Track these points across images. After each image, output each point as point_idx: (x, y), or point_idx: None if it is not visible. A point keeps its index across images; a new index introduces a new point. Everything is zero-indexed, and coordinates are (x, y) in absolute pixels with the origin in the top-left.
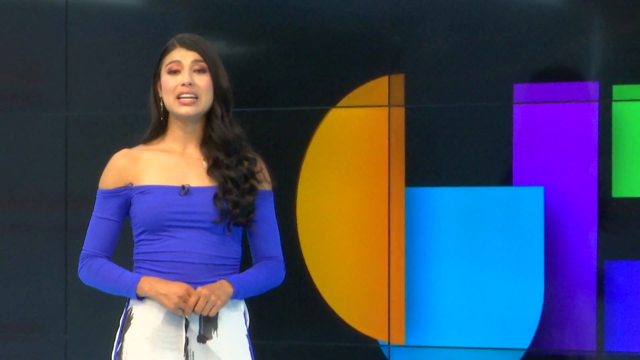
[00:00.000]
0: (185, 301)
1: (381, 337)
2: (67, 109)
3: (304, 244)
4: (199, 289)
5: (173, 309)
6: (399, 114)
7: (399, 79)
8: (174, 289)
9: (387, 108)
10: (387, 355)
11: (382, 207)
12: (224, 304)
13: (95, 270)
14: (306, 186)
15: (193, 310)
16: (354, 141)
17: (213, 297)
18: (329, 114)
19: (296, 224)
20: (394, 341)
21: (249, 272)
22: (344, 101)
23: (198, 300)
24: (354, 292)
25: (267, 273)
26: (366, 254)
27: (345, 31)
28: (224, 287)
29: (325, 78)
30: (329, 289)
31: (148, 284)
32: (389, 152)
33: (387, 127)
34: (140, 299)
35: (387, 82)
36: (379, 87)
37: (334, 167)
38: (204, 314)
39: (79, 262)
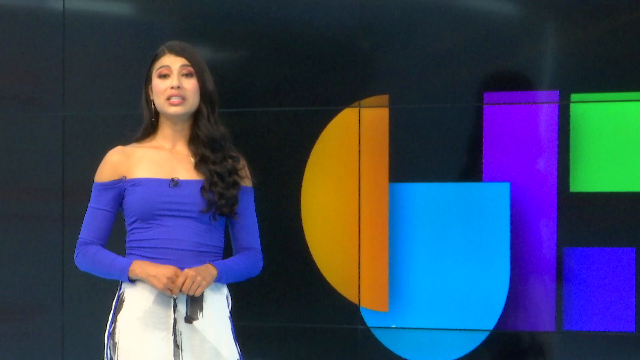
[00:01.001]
0: (173, 282)
1: (364, 304)
2: (64, 110)
3: (307, 232)
4: (186, 270)
5: (162, 289)
6: (384, 115)
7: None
8: (163, 270)
9: (357, 109)
10: (365, 320)
11: (369, 200)
12: (208, 285)
13: (90, 257)
14: (310, 178)
15: (180, 291)
16: (350, 141)
17: (199, 278)
18: (339, 115)
19: (300, 214)
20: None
21: (232, 259)
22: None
23: (185, 280)
24: (350, 270)
25: (248, 262)
26: (358, 239)
27: (324, 39)
28: (209, 269)
29: (306, 81)
30: (330, 270)
31: (139, 267)
32: (388, 150)
33: (380, 128)
34: (132, 281)
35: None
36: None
37: (332, 164)
38: (190, 293)
39: (75, 250)
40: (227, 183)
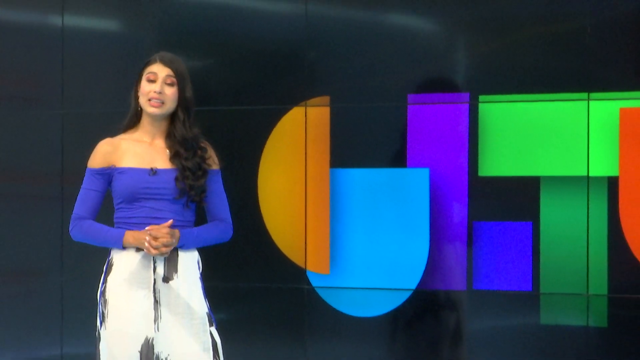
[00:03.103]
0: (155, 239)
1: (310, 268)
2: (62, 108)
3: (263, 208)
4: (165, 230)
5: (147, 249)
6: (326, 113)
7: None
8: (144, 234)
9: (304, 108)
10: (311, 281)
11: (314, 182)
12: (175, 244)
13: (85, 229)
14: (265, 164)
15: (157, 249)
16: (298, 134)
17: (173, 240)
18: (289, 112)
19: (257, 194)
20: (321, 272)
21: (199, 228)
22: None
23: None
24: (298, 240)
25: (215, 230)
26: (305, 214)
27: (277, 50)
28: (177, 234)
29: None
30: (281, 240)
31: (131, 236)
32: (329, 141)
33: (322, 123)
34: (124, 248)
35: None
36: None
37: (283, 152)
38: (163, 250)
39: (70, 223)
40: (197, 175)
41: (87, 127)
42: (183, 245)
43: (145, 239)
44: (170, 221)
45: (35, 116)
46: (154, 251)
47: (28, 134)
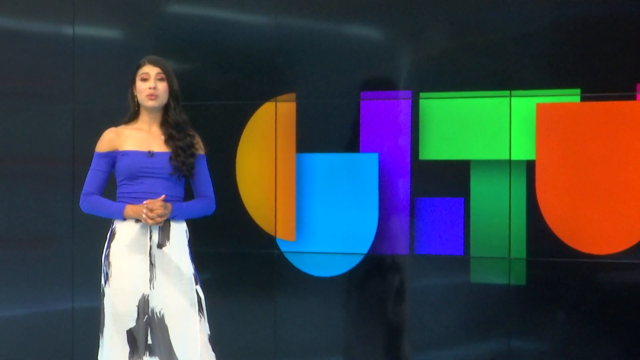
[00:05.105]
0: (151, 211)
1: (279, 236)
2: (73, 103)
3: (240, 186)
4: (159, 203)
5: (144, 219)
6: (292, 107)
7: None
8: (142, 207)
9: (274, 103)
10: (280, 246)
11: (283, 164)
12: (167, 216)
13: (92, 203)
14: (242, 150)
15: (153, 219)
16: (269, 124)
17: (166, 210)
18: (262, 107)
19: (235, 174)
20: (288, 240)
21: (187, 203)
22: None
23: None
24: (269, 212)
25: (200, 205)
26: (275, 191)
27: (252, 54)
28: (169, 207)
29: (245, 84)
30: (255, 212)
31: (131, 209)
32: (295, 131)
33: (290, 115)
34: (124, 219)
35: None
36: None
37: (257, 140)
38: (158, 220)
39: (80, 198)
40: (187, 154)
41: (93, 119)
42: (174, 216)
43: (143, 211)
44: (163, 196)
45: (50, 110)
46: (150, 221)
47: (44, 125)
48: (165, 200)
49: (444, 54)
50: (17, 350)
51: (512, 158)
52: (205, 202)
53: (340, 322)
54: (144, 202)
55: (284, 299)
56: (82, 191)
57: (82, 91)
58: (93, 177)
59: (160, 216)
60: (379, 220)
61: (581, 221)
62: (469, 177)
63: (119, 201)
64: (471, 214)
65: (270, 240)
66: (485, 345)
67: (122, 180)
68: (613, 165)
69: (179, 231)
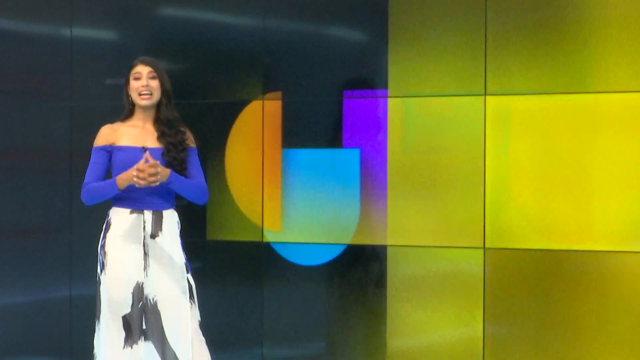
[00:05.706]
0: (142, 171)
1: (266, 227)
2: (71, 101)
3: (229, 180)
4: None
5: (137, 181)
6: (279, 105)
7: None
8: (132, 171)
9: (262, 101)
10: (267, 237)
11: (270, 159)
12: (163, 179)
13: (89, 190)
14: (231, 145)
15: (145, 180)
16: (257, 121)
17: (159, 169)
18: (250, 105)
19: (225, 167)
20: (275, 230)
21: (184, 178)
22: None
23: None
24: (257, 204)
25: (196, 184)
26: (262, 184)
27: (241, 55)
28: (166, 170)
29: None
30: (244, 205)
31: (122, 179)
32: (281, 127)
33: (276, 113)
34: (122, 192)
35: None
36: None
37: (246, 136)
38: (150, 180)
39: (82, 189)
40: (178, 150)
41: (90, 116)
42: (171, 182)
43: (134, 174)
44: (149, 155)
45: (48, 108)
46: (142, 182)
47: (43, 122)
48: (159, 196)
49: (424, 54)
50: (17, 336)
51: (486, 156)
52: (201, 186)
53: (323, 308)
54: (132, 171)
55: (270, 286)
56: (83, 183)
57: (79, 90)
58: (92, 169)
59: (152, 175)
60: (360, 212)
61: (553, 214)
62: (444, 172)
63: (116, 197)
64: (447, 206)
65: (257, 231)
66: (460, 330)
67: (117, 174)
68: (585, 160)
69: (171, 222)
